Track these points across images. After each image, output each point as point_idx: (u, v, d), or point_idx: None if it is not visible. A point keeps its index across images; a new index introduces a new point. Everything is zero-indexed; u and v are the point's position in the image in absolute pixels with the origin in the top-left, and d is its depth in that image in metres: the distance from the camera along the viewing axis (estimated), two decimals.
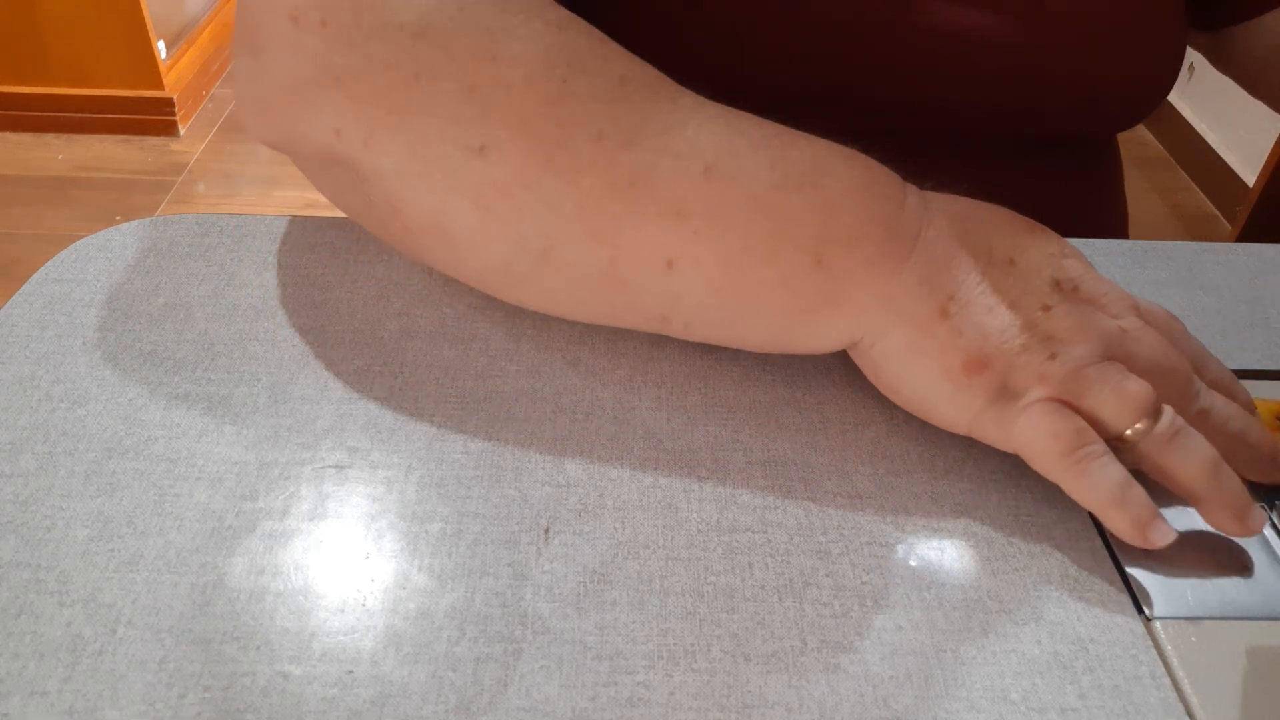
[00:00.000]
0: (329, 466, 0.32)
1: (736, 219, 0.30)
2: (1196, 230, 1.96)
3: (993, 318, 0.30)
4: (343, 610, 0.28)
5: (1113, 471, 0.29)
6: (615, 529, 0.30)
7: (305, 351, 0.36)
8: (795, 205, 0.30)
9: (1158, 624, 0.28)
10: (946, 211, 0.32)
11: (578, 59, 0.31)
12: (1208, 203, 2.03)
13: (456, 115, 0.30)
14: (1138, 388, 0.29)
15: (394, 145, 0.31)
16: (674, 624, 0.28)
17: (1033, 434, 0.30)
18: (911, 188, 0.33)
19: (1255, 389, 0.36)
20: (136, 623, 0.27)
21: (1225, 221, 1.96)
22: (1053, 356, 0.30)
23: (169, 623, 0.27)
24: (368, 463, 0.32)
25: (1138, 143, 2.22)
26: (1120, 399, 0.29)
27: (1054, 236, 0.33)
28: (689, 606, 0.28)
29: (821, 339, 0.32)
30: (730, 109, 0.32)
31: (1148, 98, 0.48)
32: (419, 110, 0.30)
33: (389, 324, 0.37)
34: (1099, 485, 0.29)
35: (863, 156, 0.32)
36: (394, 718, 0.25)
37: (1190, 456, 0.29)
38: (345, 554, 0.29)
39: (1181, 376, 0.31)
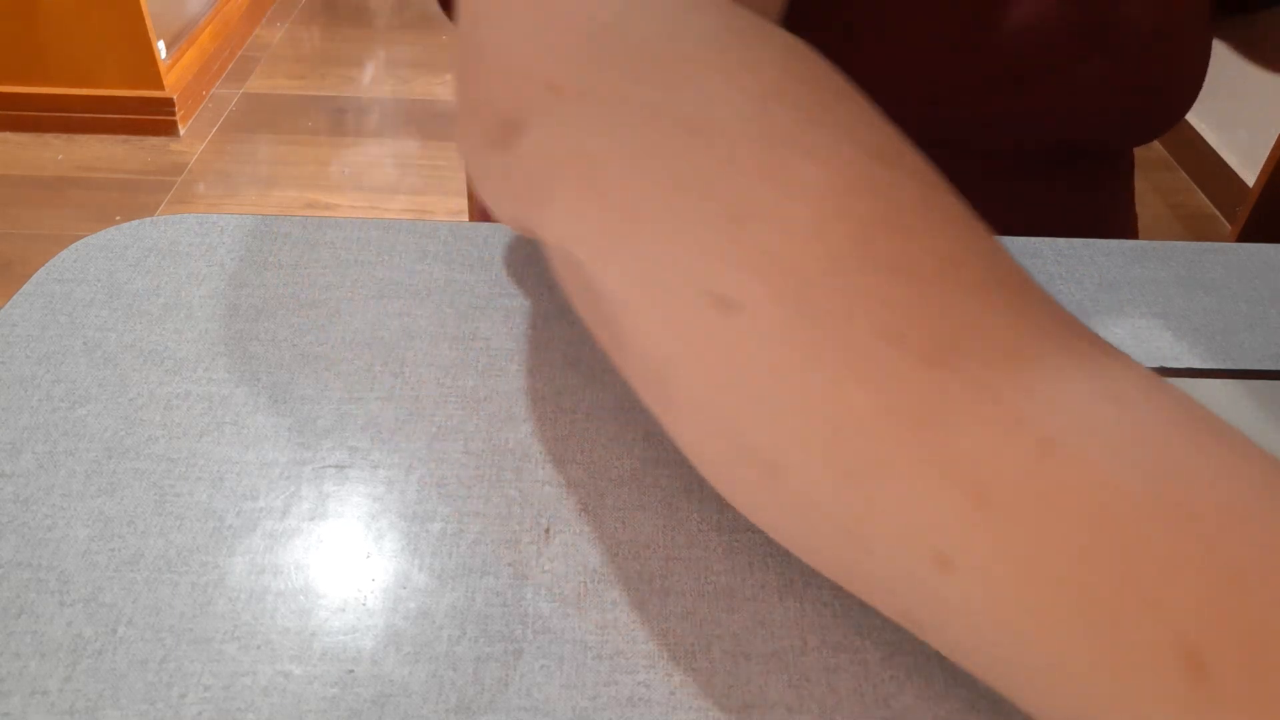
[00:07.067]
0: (329, 466, 0.32)
1: (1072, 539, 0.18)
2: (1196, 230, 1.96)
3: None
4: (343, 610, 0.28)
5: None
6: (615, 529, 0.30)
7: (305, 351, 0.36)
8: (1179, 558, 0.17)
9: None
10: None
11: (894, 210, 0.22)
12: (1208, 203, 2.03)
13: (709, 247, 0.22)
14: None
15: (628, 264, 0.24)
16: (674, 624, 0.28)
17: None
18: None
19: (1255, 389, 0.36)
20: (137, 622, 0.27)
21: (1225, 221, 1.96)
22: None
23: (170, 622, 0.27)
24: (368, 462, 0.32)
25: None
26: None
27: None
28: (689, 606, 0.28)
29: None
30: (1112, 351, 0.21)
31: (1183, 104, 0.49)
32: (667, 228, 0.23)
33: (389, 324, 0.37)
34: None
35: None
36: (394, 717, 0.25)
37: None
38: (346, 553, 0.29)
39: None
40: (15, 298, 0.38)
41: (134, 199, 1.87)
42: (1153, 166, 2.14)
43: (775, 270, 0.21)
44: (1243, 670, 0.17)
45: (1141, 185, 2.08)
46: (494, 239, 0.42)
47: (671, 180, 0.23)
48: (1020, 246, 0.43)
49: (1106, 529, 0.18)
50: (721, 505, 0.31)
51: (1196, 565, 0.17)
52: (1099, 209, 0.55)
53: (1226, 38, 0.54)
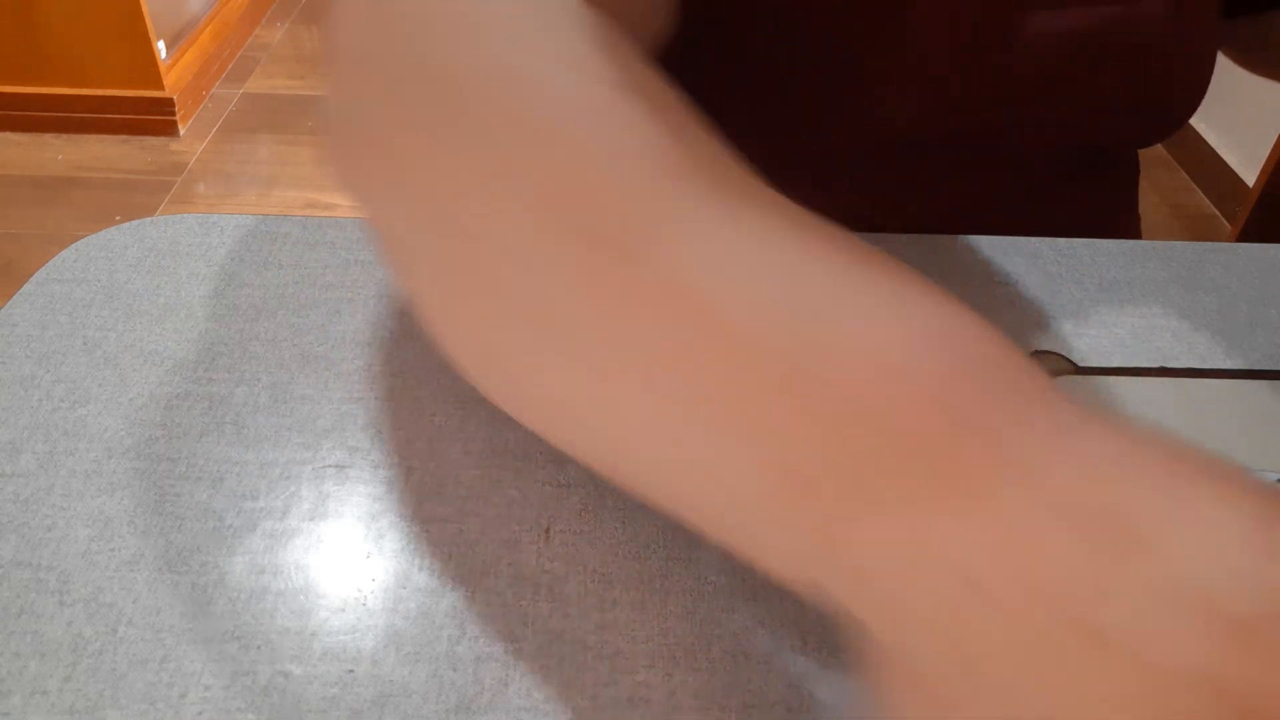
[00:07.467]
0: (329, 466, 0.32)
1: (669, 341, 0.20)
2: (1196, 230, 1.96)
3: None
4: (343, 609, 0.28)
5: None
6: (615, 529, 0.30)
7: (305, 351, 0.36)
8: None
9: None
10: (1080, 465, 0.17)
11: (604, 123, 0.23)
12: (1208, 203, 2.03)
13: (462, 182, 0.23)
14: None
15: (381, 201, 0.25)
16: (674, 624, 0.28)
17: None
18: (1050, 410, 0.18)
19: (1256, 389, 0.36)
20: (137, 622, 0.27)
21: (1225, 221, 1.96)
22: None
23: (170, 622, 0.27)
24: (368, 462, 0.32)
25: None
26: None
27: (1254, 508, 0.16)
28: (689, 606, 0.28)
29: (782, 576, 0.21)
30: (763, 197, 0.22)
31: (1190, 106, 0.49)
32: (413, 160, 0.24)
33: (389, 324, 0.37)
34: None
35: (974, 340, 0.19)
36: (395, 717, 0.25)
37: None
38: (346, 553, 0.29)
39: None
40: (15, 298, 0.38)
41: (134, 199, 1.87)
42: (1153, 166, 2.14)
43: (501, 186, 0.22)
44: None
45: (1141, 185, 2.07)
46: None
47: (423, 124, 0.24)
48: (1021, 246, 0.43)
49: (698, 340, 0.20)
50: None
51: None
52: (1106, 210, 0.55)
53: (1235, 42, 0.54)
